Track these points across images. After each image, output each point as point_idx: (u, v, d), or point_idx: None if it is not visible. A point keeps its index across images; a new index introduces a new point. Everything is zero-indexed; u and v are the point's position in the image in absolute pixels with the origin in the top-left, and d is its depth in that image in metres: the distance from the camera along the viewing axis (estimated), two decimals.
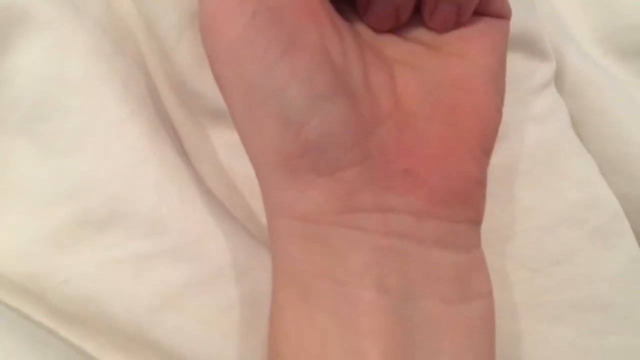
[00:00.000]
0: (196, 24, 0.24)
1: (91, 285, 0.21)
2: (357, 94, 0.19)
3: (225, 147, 0.26)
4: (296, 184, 0.18)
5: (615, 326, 0.24)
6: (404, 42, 0.21)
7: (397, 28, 0.21)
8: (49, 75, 0.23)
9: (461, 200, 0.20)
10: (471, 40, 0.20)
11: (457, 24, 0.20)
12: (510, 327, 0.24)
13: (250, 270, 0.23)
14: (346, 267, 0.18)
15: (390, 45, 0.21)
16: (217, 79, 0.19)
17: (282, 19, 0.18)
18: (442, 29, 0.20)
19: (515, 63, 0.26)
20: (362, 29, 0.21)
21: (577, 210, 0.25)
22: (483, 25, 0.21)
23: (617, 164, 0.27)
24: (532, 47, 0.26)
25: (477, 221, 0.20)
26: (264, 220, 0.25)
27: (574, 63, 0.28)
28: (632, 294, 0.25)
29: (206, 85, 0.24)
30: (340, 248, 0.18)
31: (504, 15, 0.21)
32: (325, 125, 0.18)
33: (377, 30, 0.21)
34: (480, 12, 0.21)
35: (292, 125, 0.18)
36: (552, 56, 0.27)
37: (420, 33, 0.21)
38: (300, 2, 0.18)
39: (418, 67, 0.21)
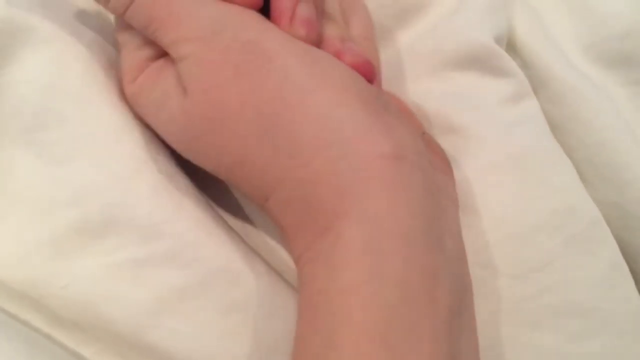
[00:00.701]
0: None
1: (90, 291, 0.22)
2: None
3: None
4: (382, 123, 0.21)
5: (596, 331, 0.24)
6: None
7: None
8: (49, 86, 0.23)
9: (449, 164, 0.25)
10: None
11: None
12: (491, 334, 0.24)
13: (244, 274, 0.23)
14: (422, 219, 0.19)
15: None
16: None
17: None
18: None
19: (471, 81, 0.27)
20: None
21: (554, 218, 0.25)
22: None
23: (602, 172, 0.27)
24: (486, 65, 0.27)
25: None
26: (258, 226, 0.26)
27: (559, 72, 0.28)
28: (613, 299, 0.25)
29: None
30: (421, 196, 0.20)
31: None
32: None
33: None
34: None
35: None
36: (513, 71, 0.28)
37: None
38: None
39: None
